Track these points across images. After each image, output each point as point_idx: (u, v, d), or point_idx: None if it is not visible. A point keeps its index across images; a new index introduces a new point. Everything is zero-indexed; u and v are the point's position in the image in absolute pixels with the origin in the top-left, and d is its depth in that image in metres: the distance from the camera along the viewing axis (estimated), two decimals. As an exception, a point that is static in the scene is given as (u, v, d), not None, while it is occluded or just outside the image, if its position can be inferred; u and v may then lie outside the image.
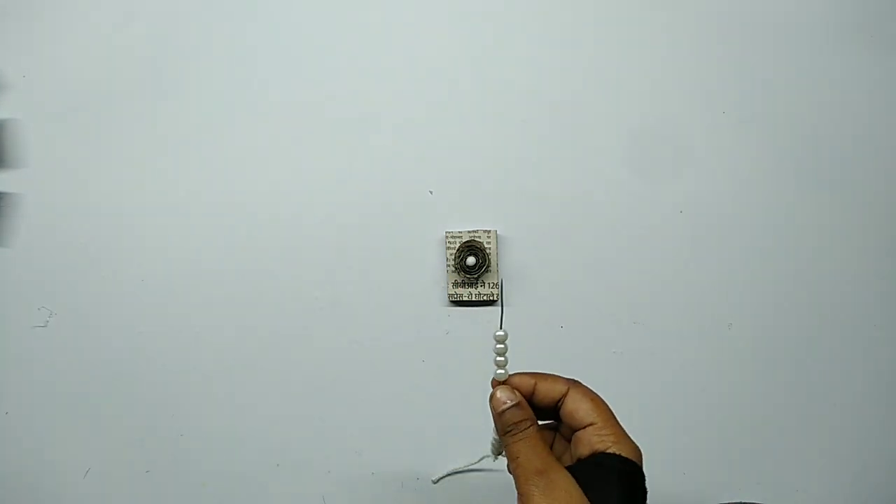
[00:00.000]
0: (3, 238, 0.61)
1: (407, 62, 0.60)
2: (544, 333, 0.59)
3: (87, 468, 0.59)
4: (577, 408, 0.37)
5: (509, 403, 0.37)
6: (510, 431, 0.37)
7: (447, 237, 0.58)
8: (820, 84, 0.58)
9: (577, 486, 0.34)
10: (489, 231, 0.58)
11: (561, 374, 0.39)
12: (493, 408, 0.38)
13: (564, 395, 0.38)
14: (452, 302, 0.59)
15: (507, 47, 0.60)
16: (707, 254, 0.59)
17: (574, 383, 0.39)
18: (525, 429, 0.37)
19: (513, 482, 0.36)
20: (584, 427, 0.37)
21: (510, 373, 0.39)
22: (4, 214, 0.61)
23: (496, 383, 0.39)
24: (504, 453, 0.38)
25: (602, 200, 0.59)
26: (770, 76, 0.59)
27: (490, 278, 0.58)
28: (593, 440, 0.36)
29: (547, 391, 0.38)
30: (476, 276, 0.57)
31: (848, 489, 0.57)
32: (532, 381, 0.38)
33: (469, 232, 0.58)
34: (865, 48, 0.58)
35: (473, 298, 0.58)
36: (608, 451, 0.36)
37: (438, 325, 0.59)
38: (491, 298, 0.58)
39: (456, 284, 0.58)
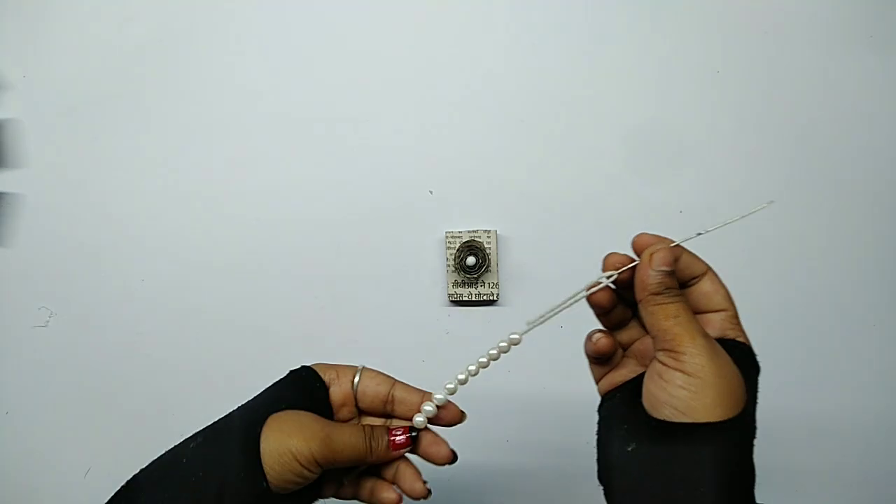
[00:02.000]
0: (3, 238, 0.61)
1: (407, 62, 0.60)
2: (544, 333, 0.59)
3: (87, 468, 0.59)
4: (715, 290, 0.37)
5: (668, 268, 0.35)
6: (669, 290, 0.34)
7: (447, 237, 0.58)
8: (820, 84, 0.58)
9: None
10: (489, 231, 0.58)
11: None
12: (655, 262, 0.35)
13: (703, 275, 0.37)
14: (452, 302, 0.59)
15: (507, 47, 0.60)
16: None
17: (710, 268, 0.38)
18: (681, 293, 0.35)
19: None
20: (717, 311, 0.36)
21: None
22: (4, 214, 0.61)
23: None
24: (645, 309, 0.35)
25: (602, 200, 0.59)
26: (770, 76, 0.59)
27: (490, 278, 0.58)
28: (725, 326, 0.36)
29: (688, 265, 0.37)
30: (476, 276, 0.57)
31: (848, 489, 0.57)
32: (679, 251, 0.37)
33: (469, 232, 0.58)
34: (865, 48, 0.58)
35: (473, 298, 0.58)
36: (738, 339, 0.35)
37: (438, 325, 0.59)
38: (491, 298, 0.58)
39: (456, 284, 0.58)
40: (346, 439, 0.35)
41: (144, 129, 0.61)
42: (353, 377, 0.39)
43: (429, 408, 0.38)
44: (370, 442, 0.36)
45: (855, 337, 0.58)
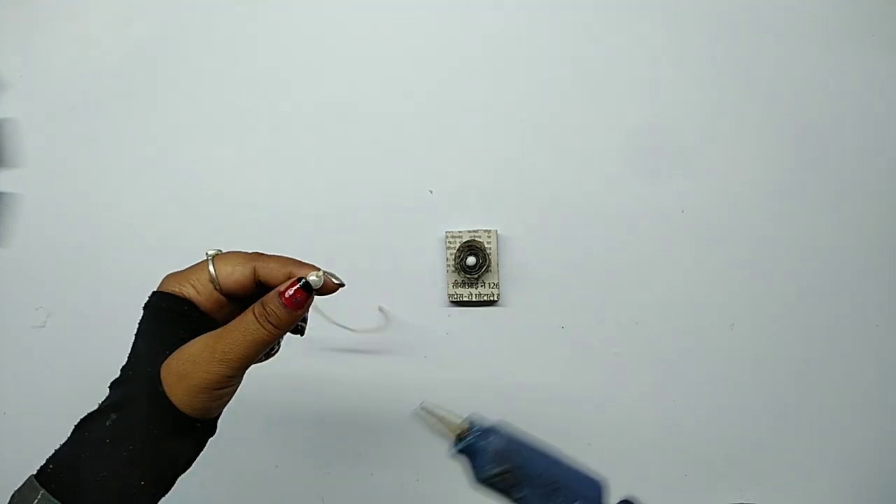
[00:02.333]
0: (3, 238, 0.61)
1: (407, 62, 0.60)
2: (544, 333, 0.59)
3: (86, 469, 0.59)
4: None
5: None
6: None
7: (447, 237, 0.58)
8: (820, 84, 0.58)
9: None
10: (489, 231, 0.58)
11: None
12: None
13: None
14: (452, 302, 0.59)
15: (507, 47, 0.60)
16: (707, 254, 0.58)
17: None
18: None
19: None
20: None
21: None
22: (3, 214, 0.61)
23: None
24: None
25: (602, 200, 0.59)
26: (770, 76, 0.59)
27: (490, 278, 0.58)
28: None
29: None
30: (476, 276, 0.57)
31: (848, 489, 0.57)
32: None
33: (469, 232, 0.58)
34: (866, 48, 0.58)
35: (473, 298, 0.58)
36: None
37: (438, 325, 0.59)
38: (491, 298, 0.58)
39: (456, 284, 0.58)
40: (240, 335, 0.34)
41: (144, 129, 0.61)
42: (208, 272, 0.37)
43: (313, 278, 0.36)
44: (264, 316, 0.34)
45: (855, 337, 0.58)
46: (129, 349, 0.36)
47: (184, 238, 0.60)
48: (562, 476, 0.35)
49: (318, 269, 0.36)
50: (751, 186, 0.58)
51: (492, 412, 0.59)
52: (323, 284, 0.36)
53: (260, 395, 0.59)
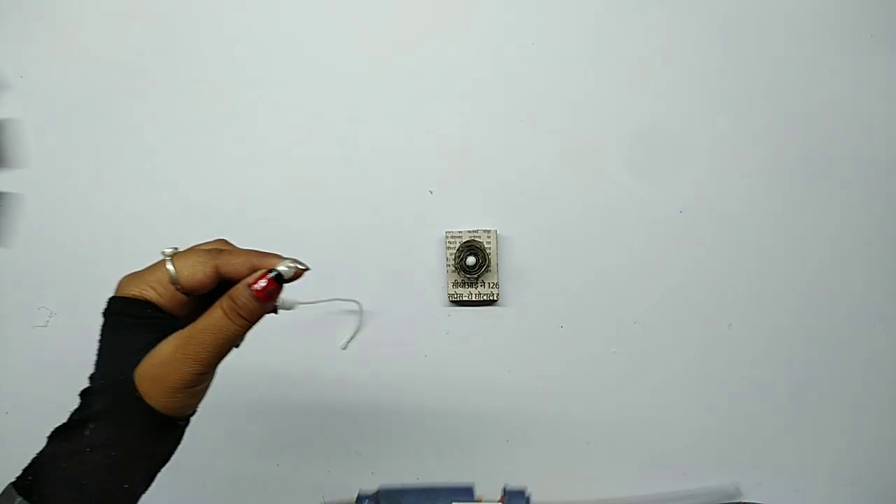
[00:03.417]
0: (3, 238, 0.61)
1: (407, 62, 0.60)
2: (544, 333, 0.59)
3: (87, 468, 0.59)
4: None
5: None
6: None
7: (447, 237, 0.58)
8: (820, 84, 0.58)
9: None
10: (489, 231, 0.58)
11: None
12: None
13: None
14: (452, 302, 0.59)
15: (507, 47, 0.60)
16: (707, 254, 0.59)
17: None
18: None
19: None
20: None
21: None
22: (4, 214, 0.61)
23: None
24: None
25: (602, 200, 0.59)
26: (770, 76, 0.58)
27: (490, 278, 0.58)
28: None
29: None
30: (476, 276, 0.57)
31: (848, 489, 0.57)
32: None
33: (469, 232, 0.58)
34: (866, 48, 0.58)
35: (473, 298, 0.58)
36: None
37: (438, 325, 0.59)
38: (491, 298, 0.58)
39: (456, 284, 0.58)
40: (210, 332, 0.34)
41: (144, 130, 0.61)
42: (167, 272, 0.36)
43: (284, 269, 0.36)
44: (234, 310, 0.34)
45: (854, 337, 0.58)
46: (96, 357, 0.36)
47: (184, 238, 0.60)
48: (438, 493, 0.43)
49: (283, 258, 0.36)
50: (750, 187, 0.58)
51: (491, 411, 0.60)
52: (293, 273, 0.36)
53: (260, 395, 0.59)
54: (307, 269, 0.37)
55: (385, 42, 0.60)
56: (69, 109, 0.61)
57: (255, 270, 0.35)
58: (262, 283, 0.34)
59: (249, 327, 0.35)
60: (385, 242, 0.60)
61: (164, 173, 0.61)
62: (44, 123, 0.61)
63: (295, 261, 0.36)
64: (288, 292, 0.37)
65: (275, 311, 0.39)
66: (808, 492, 0.57)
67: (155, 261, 0.37)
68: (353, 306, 0.59)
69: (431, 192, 0.60)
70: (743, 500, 0.57)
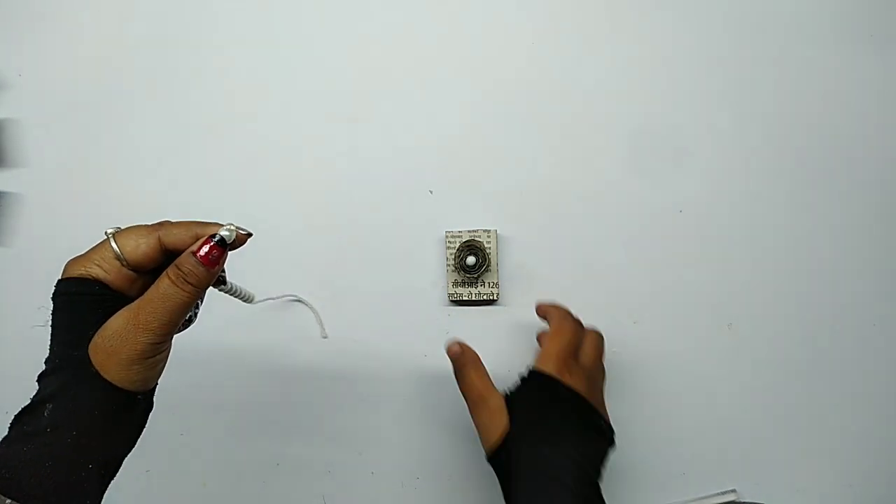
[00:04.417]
0: (3, 238, 0.61)
1: (407, 62, 0.60)
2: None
3: (86, 468, 0.59)
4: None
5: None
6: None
7: (447, 237, 0.58)
8: (820, 84, 0.58)
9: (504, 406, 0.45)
10: (489, 231, 0.58)
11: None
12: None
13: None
14: (452, 302, 0.59)
15: (507, 47, 0.60)
16: (707, 254, 0.59)
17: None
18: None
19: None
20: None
21: None
22: (4, 214, 0.61)
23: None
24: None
25: (602, 200, 0.59)
26: (769, 76, 0.59)
27: (490, 278, 0.58)
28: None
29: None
30: (476, 275, 0.57)
31: (848, 489, 0.57)
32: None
33: (469, 232, 0.58)
34: (867, 47, 0.58)
35: (473, 298, 0.58)
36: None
37: (438, 325, 0.59)
38: (491, 298, 0.58)
39: (456, 284, 0.58)
40: (159, 302, 0.34)
41: (144, 129, 0.61)
42: (112, 249, 0.36)
43: (225, 233, 0.36)
44: (181, 277, 0.35)
45: (854, 336, 0.58)
46: (50, 341, 0.36)
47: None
48: None
49: (225, 224, 0.37)
50: (749, 186, 0.58)
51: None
52: (235, 237, 0.37)
53: (260, 395, 0.59)
54: (250, 235, 0.38)
55: (385, 42, 0.61)
56: (68, 109, 0.61)
57: (197, 238, 0.36)
58: (206, 248, 0.35)
59: (198, 294, 0.36)
60: (385, 242, 0.60)
61: (164, 173, 0.61)
62: (43, 123, 0.62)
63: (236, 226, 0.37)
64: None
65: (222, 282, 0.41)
66: (808, 492, 0.57)
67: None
68: (304, 302, 0.59)
69: (431, 192, 0.60)
70: (743, 501, 0.57)
